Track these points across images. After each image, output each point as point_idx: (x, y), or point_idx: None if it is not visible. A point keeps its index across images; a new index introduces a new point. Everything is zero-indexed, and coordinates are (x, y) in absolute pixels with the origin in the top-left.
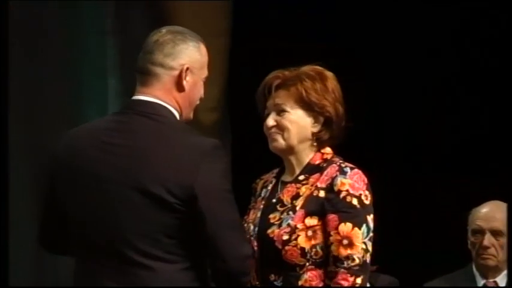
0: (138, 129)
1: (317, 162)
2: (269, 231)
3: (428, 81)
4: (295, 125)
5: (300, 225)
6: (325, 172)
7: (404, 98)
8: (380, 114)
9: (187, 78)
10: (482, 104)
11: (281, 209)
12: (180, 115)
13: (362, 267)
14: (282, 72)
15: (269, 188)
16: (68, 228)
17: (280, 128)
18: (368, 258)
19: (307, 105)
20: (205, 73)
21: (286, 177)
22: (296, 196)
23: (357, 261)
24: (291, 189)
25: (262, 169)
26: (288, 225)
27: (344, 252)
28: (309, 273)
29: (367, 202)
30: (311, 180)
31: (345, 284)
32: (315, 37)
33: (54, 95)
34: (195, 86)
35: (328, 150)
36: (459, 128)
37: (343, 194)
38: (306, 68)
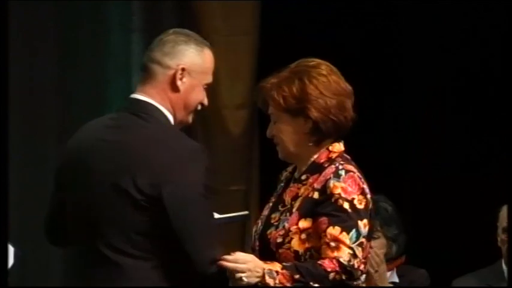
0: (126, 127)
1: (322, 161)
2: (268, 231)
3: (446, 79)
4: (285, 132)
5: (293, 228)
6: (323, 173)
7: (430, 97)
8: (405, 112)
9: (184, 79)
10: (506, 101)
11: (282, 209)
12: (174, 117)
13: (346, 270)
14: (268, 80)
15: (283, 184)
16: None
17: (275, 137)
18: (356, 263)
19: (290, 111)
20: (207, 79)
21: (296, 174)
22: (295, 197)
23: (342, 264)
24: (293, 189)
25: (289, 165)
26: (283, 227)
27: (331, 254)
28: None
29: (360, 207)
30: (310, 180)
31: (328, 265)
32: (343, 35)
33: (80, 91)
34: (193, 89)
35: (336, 147)
36: (488, 124)
37: (335, 197)
38: (293, 68)
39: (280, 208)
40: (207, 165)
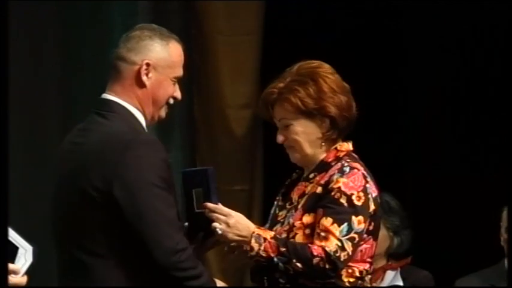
0: (91, 128)
1: (330, 159)
2: (274, 228)
3: (447, 79)
4: (302, 135)
5: (297, 223)
6: (330, 171)
7: (431, 96)
8: (406, 112)
9: (150, 74)
10: (506, 101)
11: (289, 206)
12: (143, 113)
13: (330, 260)
14: (276, 85)
15: (288, 183)
16: None
17: (290, 141)
18: (342, 256)
19: (307, 113)
20: (175, 73)
21: (305, 174)
22: (302, 194)
23: (328, 253)
24: (300, 187)
25: (294, 166)
26: (288, 223)
27: (319, 243)
28: None
29: (357, 203)
30: (317, 178)
31: (316, 250)
32: (346, 35)
33: (81, 92)
34: (160, 84)
35: (344, 146)
36: (491, 125)
37: (334, 191)
38: (298, 71)
39: (287, 206)
40: (163, 158)
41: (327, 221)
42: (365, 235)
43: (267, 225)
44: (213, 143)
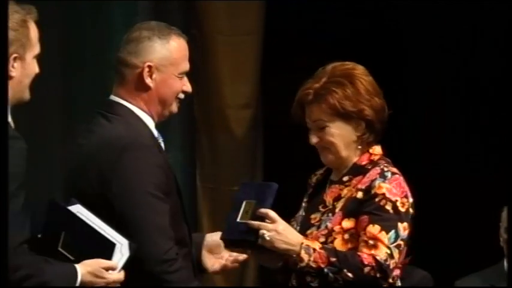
0: (94, 130)
1: (364, 163)
2: (308, 231)
3: (447, 79)
4: (338, 137)
5: (336, 228)
6: (367, 174)
7: (435, 97)
8: (406, 112)
9: (154, 76)
10: (506, 101)
11: (323, 210)
12: (150, 114)
13: (381, 268)
14: (311, 86)
15: (314, 185)
16: None
17: (325, 143)
18: (392, 264)
19: (344, 115)
20: (179, 69)
21: (333, 177)
22: (338, 198)
23: (379, 261)
24: (334, 190)
25: (294, 166)
26: (326, 227)
27: (368, 251)
28: None
29: (402, 209)
30: (354, 182)
31: (366, 259)
32: (347, 35)
33: (83, 93)
34: (165, 83)
35: (377, 150)
36: (490, 125)
37: (378, 198)
38: (334, 72)
39: (320, 209)
40: (159, 164)
41: (374, 229)
42: None
43: (297, 227)
44: (213, 143)
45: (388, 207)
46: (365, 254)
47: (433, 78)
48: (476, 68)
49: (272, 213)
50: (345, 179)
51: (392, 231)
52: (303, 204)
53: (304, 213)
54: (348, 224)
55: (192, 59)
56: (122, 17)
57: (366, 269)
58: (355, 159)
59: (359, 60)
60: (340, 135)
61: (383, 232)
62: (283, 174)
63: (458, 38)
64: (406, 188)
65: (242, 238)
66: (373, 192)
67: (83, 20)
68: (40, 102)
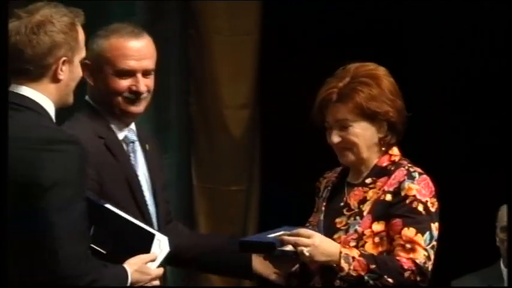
0: None
1: (384, 164)
2: (335, 236)
3: (447, 79)
4: (361, 138)
5: (367, 232)
6: (392, 176)
7: (434, 95)
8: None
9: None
10: (506, 101)
11: (348, 213)
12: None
13: (421, 271)
14: (335, 85)
15: (331, 188)
16: None
17: (347, 143)
18: (430, 266)
19: (369, 115)
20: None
21: (352, 179)
22: (363, 200)
23: (419, 265)
24: (358, 192)
25: (292, 166)
26: (355, 231)
27: (406, 255)
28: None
29: (432, 210)
30: (378, 184)
31: (406, 263)
32: (346, 35)
33: (84, 91)
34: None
35: (395, 151)
36: (488, 125)
37: (409, 199)
38: (358, 72)
39: (345, 212)
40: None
41: (410, 232)
42: None
43: (321, 233)
44: (210, 144)
45: (420, 208)
46: (404, 258)
47: (433, 78)
48: (476, 68)
49: (304, 230)
50: (368, 181)
51: (427, 232)
52: (322, 208)
53: (324, 218)
54: (378, 227)
55: (189, 59)
56: (121, 17)
57: (407, 274)
58: (375, 161)
59: (359, 61)
60: (363, 136)
61: (419, 234)
62: (281, 174)
63: (458, 38)
64: (433, 188)
65: (260, 240)
66: (403, 194)
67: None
68: None
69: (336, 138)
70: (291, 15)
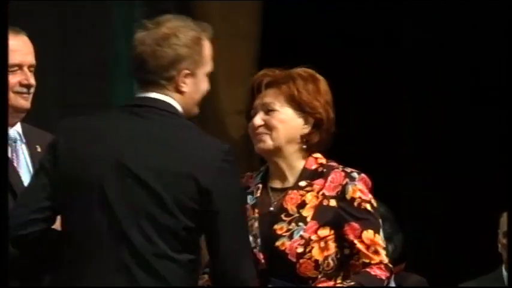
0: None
1: (314, 167)
2: (278, 243)
3: (447, 79)
4: (284, 124)
5: (313, 237)
6: (329, 178)
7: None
8: (405, 112)
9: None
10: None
11: (287, 218)
12: None
13: (390, 270)
14: (272, 71)
15: (256, 194)
16: None
17: (268, 127)
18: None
19: (298, 105)
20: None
21: (275, 183)
22: (302, 204)
23: (388, 265)
24: (294, 196)
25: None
26: (301, 237)
27: (375, 258)
28: (320, 286)
29: (375, 205)
30: (316, 186)
31: (379, 273)
32: (344, 37)
33: (84, 92)
34: None
35: (319, 155)
36: (490, 128)
37: (357, 202)
38: (298, 69)
39: (284, 218)
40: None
41: (369, 234)
42: None
43: (259, 240)
44: None
45: (369, 207)
46: (374, 268)
47: (433, 78)
48: (476, 68)
49: None
50: (302, 184)
51: (380, 230)
52: (256, 215)
53: (260, 225)
54: (324, 232)
55: None
56: (121, 21)
57: (386, 282)
58: (299, 164)
59: (358, 62)
60: (286, 124)
61: (376, 235)
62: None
63: (458, 37)
64: (370, 183)
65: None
66: (348, 197)
67: (83, 21)
68: (40, 103)
69: (258, 121)
70: (288, 18)
